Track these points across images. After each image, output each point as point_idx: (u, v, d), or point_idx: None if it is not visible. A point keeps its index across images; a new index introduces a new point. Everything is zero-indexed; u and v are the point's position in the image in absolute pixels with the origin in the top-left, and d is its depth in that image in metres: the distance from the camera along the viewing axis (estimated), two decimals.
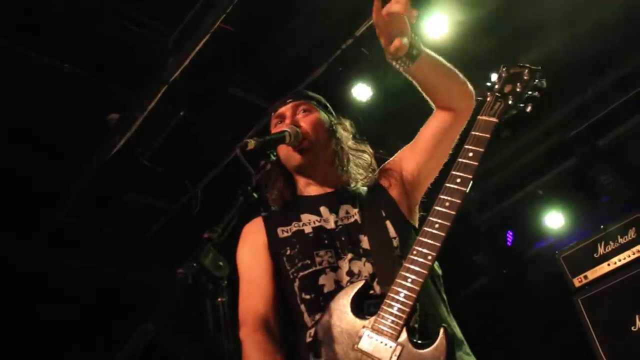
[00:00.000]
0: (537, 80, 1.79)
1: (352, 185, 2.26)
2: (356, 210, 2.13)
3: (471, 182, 1.72)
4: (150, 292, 5.63)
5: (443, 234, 1.67)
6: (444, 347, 1.60)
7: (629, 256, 4.08)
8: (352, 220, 2.10)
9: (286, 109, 2.31)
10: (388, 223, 2.07)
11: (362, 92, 4.64)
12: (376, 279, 1.92)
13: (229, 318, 1.29)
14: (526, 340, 5.39)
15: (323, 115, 2.34)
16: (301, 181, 2.29)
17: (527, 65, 1.83)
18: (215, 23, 3.82)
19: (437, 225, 1.69)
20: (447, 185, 1.74)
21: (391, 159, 2.34)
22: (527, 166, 5.79)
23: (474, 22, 4.41)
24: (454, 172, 1.74)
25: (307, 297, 1.97)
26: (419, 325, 1.68)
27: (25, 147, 4.80)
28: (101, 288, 5.78)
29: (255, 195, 1.66)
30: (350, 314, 1.77)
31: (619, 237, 4.19)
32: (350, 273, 1.97)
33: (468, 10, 4.34)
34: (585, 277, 4.27)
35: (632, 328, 3.83)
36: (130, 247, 5.83)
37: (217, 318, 1.28)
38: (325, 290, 1.94)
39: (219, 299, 1.31)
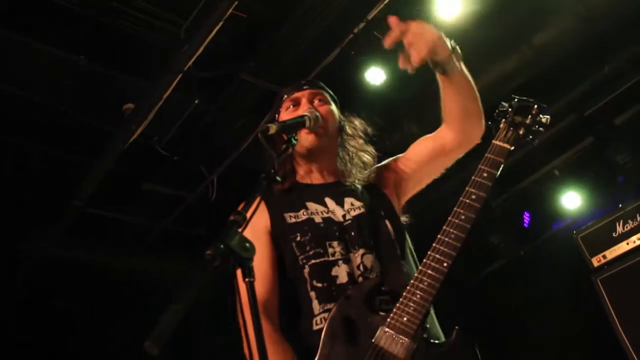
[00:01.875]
0: (542, 116, 1.93)
1: (350, 181, 2.28)
2: (361, 204, 2.16)
3: (484, 199, 1.84)
4: (167, 280, 5.70)
5: (458, 244, 1.79)
6: (462, 346, 1.71)
7: None
8: (358, 212, 2.13)
9: (302, 95, 2.33)
10: (387, 222, 2.13)
11: (375, 75, 4.63)
12: (384, 276, 1.98)
13: (255, 299, 1.31)
14: (545, 321, 5.39)
15: (335, 109, 2.37)
16: (303, 167, 2.31)
17: (534, 101, 1.97)
18: (227, 10, 3.82)
19: (452, 236, 1.80)
20: (463, 200, 1.85)
21: (387, 161, 2.39)
22: (542, 146, 5.75)
23: (487, 4, 4.38)
24: (469, 189, 1.87)
25: (319, 285, 1.99)
26: (429, 327, 1.77)
27: (41, 139, 4.86)
28: (119, 277, 5.85)
29: (278, 178, 1.69)
30: (365, 309, 1.83)
31: (638, 215, 4.16)
32: (362, 267, 2.00)
33: None
34: (604, 256, 4.24)
35: None
36: (148, 235, 5.89)
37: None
38: (338, 281, 1.97)
39: (247, 279, 1.33)
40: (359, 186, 2.27)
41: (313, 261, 2.02)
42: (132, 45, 4.35)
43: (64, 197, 5.08)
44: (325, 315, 1.91)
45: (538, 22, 4.60)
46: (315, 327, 1.92)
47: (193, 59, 4.13)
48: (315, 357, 1.82)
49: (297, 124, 2.06)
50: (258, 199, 2.15)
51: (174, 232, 5.97)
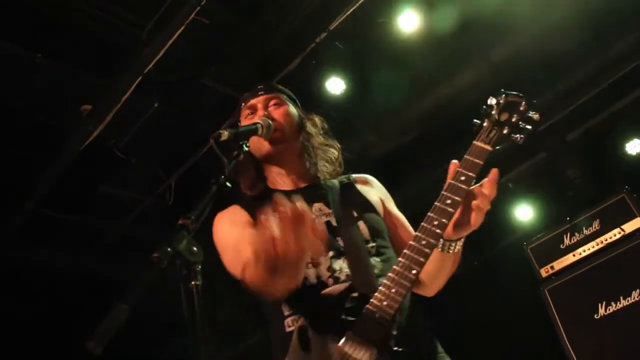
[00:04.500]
0: (532, 113, 1.81)
1: (322, 179, 2.30)
2: (330, 210, 2.16)
3: (459, 203, 1.75)
4: (124, 282, 5.63)
5: (429, 251, 1.71)
6: (428, 354, 1.69)
7: (593, 247, 4.21)
8: (326, 220, 2.13)
9: (257, 101, 2.34)
10: (361, 224, 2.11)
11: (335, 85, 4.69)
12: (354, 281, 1.95)
13: (203, 302, 1.33)
14: (495, 329, 5.51)
15: (293, 109, 2.38)
16: (272, 173, 2.32)
17: (525, 96, 1.85)
18: (189, 15, 3.82)
19: (423, 242, 1.72)
20: (437, 204, 1.76)
21: (376, 186, 2.37)
22: (497, 159, 5.88)
23: (446, 17, 4.48)
24: (444, 193, 1.77)
25: None
26: (397, 334, 1.70)
27: None
28: (74, 279, 5.76)
29: (228, 184, 1.70)
30: (334, 313, 1.81)
31: (584, 228, 4.32)
32: (331, 269, 1.99)
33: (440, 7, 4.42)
34: (552, 267, 4.39)
35: (595, 316, 3.96)
36: (103, 238, 5.81)
37: (191, 301, 1.32)
38: (308, 283, 1.97)
39: (193, 283, 1.35)
40: (334, 183, 2.28)
41: None
42: (92, 44, 4.30)
43: (17, 197, 4.98)
44: (296, 317, 1.93)
45: (496, 37, 4.73)
46: (287, 329, 1.93)
47: (154, 62, 4.11)
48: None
49: (249, 131, 2.08)
50: (237, 206, 2.19)
51: (129, 236, 5.90)
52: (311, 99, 4.63)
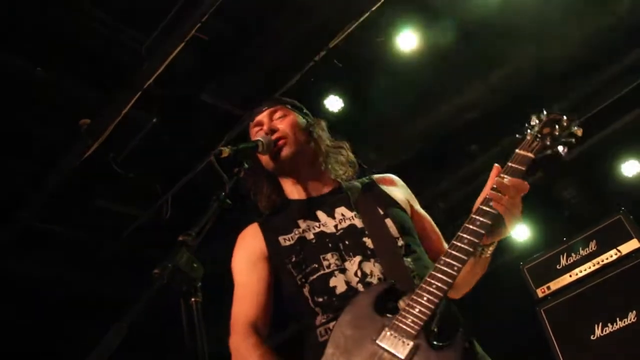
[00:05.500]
0: (574, 128, 1.86)
1: (341, 182, 2.33)
2: (353, 213, 2.18)
3: None
4: (120, 298, 5.59)
5: (470, 249, 1.76)
6: (460, 350, 1.67)
7: (590, 268, 4.20)
8: (349, 223, 2.15)
9: (263, 117, 2.37)
10: (388, 221, 2.13)
11: (334, 103, 4.71)
12: (391, 279, 1.97)
13: (202, 318, 1.33)
14: (491, 348, 5.48)
15: (299, 118, 2.41)
16: (287, 184, 2.35)
17: (565, 112, 1.91)
18: (190, 31, 3.84)
19: (465, 241, 1.77)
20: (481, 206, 1.82)
21: (407, 192, 2.39)
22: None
23: (444, 38, 4.53)
24: (488, 197, 1.82)
25: (321, 299, 2.01)
26: (438, 329, 1.73)
27: None
28: (70, 294, 5.73)
29: (228, 201, 1.71)
30: (372, 311, 1.83)
31: (580, 249, 4.31)
32: (360, 274, 2.01)
33: (438, 27, 4.46)
34: (548, 287, 4.38)
35: (592, 337, 3.94)
36: (100, 253, 5.78)
37: (191, 318, 1.32)
38: (337, 292, 1.99)
39: (193, 299, 1.35)
40: (356, 185, 2.31)
41: (311, 278, 2.05)
42: (92, 58, 4.32)
43: (11, 208, 4.97)
44: (330, 325, 1.94)
45: (493, 58, 4.78)
46: (320, 339, 1.94)
47: (153, 77, 4.13)
48: None
49: (249, 148, 2.12)
50: (255, 225, 2.25)
51: (125, 250, 5.87)
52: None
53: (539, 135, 1.87)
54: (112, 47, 4.23)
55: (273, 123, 2.33)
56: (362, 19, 4.11)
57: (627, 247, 4.11)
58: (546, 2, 4.40)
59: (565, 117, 1.87)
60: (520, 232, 6.06)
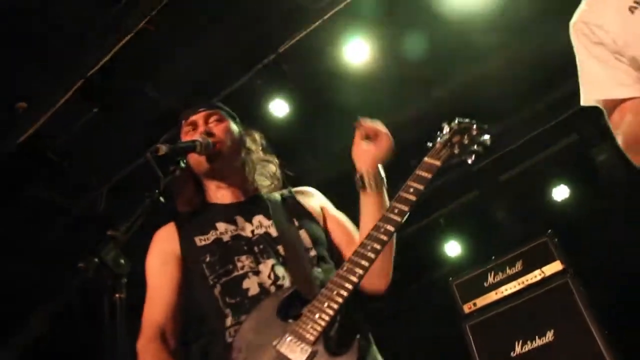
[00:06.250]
0: (483, 137, 1.90)
1: (262, 192, 2.36)
2: (270, 222, 2.21)
3: (407, 214, 1.84)
4: (48, 291, 5.41)
5: (373, 256, 1.78)
6: (355, 357, 1.70)
7: (515, 287, 4.36)
8: (265, 231, 2.18)
9: (198, 117, 2.37)
10: (302, 232, 2.18)
11: (279, 107, 4.71)
12: (297, 286, 1.99)
13: (125, 314, 1.32)
14: None
15: (233, 125, 2.42)
16: (211, 187, 2.35)
17: (475, 121, 1.94)
18: (138, 23, 3.79)
19: (369, 247, 1.80)
20: (386, 214, 1.85)
21: (322, 200, 2.44)
22: (431, 195, 6.04)
23: (395, 48, 4.60)
24: (394, 203, 1.86)
25: (232, 301, 2.02)
26: (336, 335, 1.75)
27: None
28: None
29: (162, 199, 1.70)
30: (275, 317, 1.85)
31: (507, 268, 4.47)
32: (273, 276, 2.04)
33: (389, 36, 4.52)
34: (475, 304, 4.51)
35: (512, 353, 4.09)
36: (29, 243, 5.59)
37: (113, 313, 1.30)
38: (250, 293, 2.01)
39: (117, 295, 1.33)
40: (275, 196, 2.34)
41: (224, 279, 2.06)
42: (36, 41, 4.18)
43: None
44: (238, 327, 1.94)
45: (440, 72, 4.89)
46: (228, 340, 1.94)
47: (98, 66, 4.04)
48: None
49: (187, 148, 2.11)
50: (171, 224, 2.25)
51: (56, 242, 5.69)
52: (253, 119, 4.64)
53: (449, 144, 1.91)
54: (58, 31, 4.11)
55: (209, 126, 2.33)
56: (312, 27, 4.15)
57: (550, 269, 4.28)
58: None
59: (475, 127, 1.90)
60: (452, 249, 6.21)
